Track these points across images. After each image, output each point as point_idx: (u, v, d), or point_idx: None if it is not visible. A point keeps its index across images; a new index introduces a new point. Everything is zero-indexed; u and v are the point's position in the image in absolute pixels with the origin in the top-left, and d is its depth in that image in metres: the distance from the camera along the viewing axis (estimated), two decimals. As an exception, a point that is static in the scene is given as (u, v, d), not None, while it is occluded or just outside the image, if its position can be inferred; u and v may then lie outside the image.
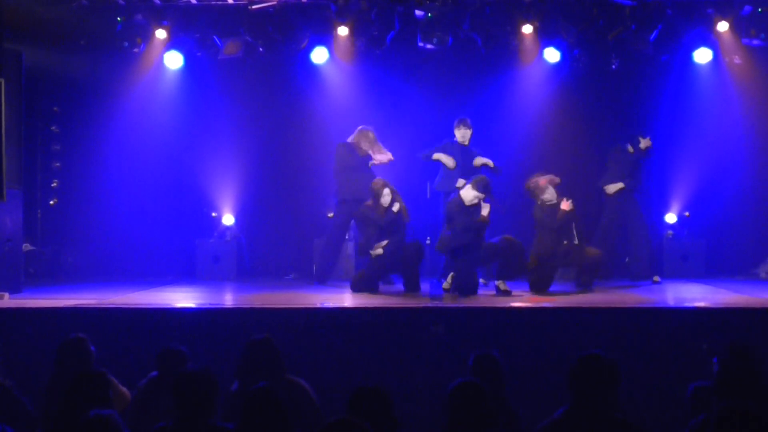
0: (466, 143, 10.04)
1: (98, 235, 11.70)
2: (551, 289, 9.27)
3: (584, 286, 9.23)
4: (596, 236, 10.14)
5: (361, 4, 10.76)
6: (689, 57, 11.32)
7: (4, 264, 9.14)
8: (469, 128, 9.98)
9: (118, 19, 11.07)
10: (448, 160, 9.96)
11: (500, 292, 8.84)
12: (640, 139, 10.23)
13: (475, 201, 8.85)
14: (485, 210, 8.86)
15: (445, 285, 9.04)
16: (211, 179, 11.83)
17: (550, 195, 9.15)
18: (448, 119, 10.20)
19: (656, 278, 10.27)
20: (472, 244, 8.83)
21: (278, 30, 11.08)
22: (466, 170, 9.87)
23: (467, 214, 8.82)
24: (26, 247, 10.47)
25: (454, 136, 10.16)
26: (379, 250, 9.06)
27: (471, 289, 8.80)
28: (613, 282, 10.27)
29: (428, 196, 10.60)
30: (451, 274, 9.06)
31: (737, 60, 11.19)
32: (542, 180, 9.17)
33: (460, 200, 8.89)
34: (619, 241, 10.48)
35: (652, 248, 10.52)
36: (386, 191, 9.09)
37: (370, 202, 9.25)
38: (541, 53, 11.28)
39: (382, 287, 9.39)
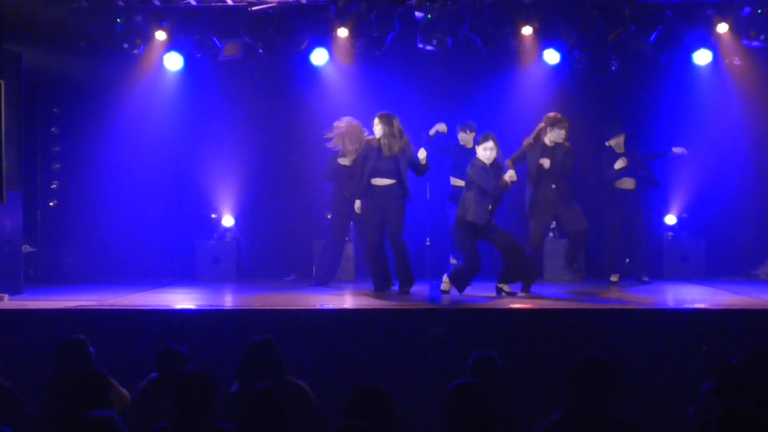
0: (470, 146, 10.01)
1: (98, 237, 11.69)
2: (550, 290, 9.28)
3: (572, 262, 9.29)
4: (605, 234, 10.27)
5: (360, 6, 10.77)
6: (689, 58, 11.32)
7: (4, 265, 9.14)
8: (474, 132, 9.98)
9: (118, 20, 11.06)
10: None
11: (502, 294, 8.82)
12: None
13: (492, 157, 8.61)
14: (509, 175, 8.66)
15: (443, 287, 8.97)
16: (211, 180, 11.83)
17: (556, 136, 9.25)
18: (448, 120, 10.20)
19: (644, 278, 10.30)
20: (485, 225, 8.64)
21: (278, 31, 11.08)
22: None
23: (489, 177, 8.58)
24: (26, 248, 10.46)
25: (457, 139, 10.19)
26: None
27: (464, 282, 8.81)
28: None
29: (428, 197, 10.60)
30: (445, 277, 8.95)
31: (737, 61, 11.19)
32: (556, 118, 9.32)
33: (479, 161, 8.69)
34: (622, 239, 10.49)
35: (648, 248, 10.58)
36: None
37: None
38: (540, 55, 11.28)
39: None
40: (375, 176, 8.86)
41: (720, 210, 11.54)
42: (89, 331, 6.14)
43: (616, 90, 11.66)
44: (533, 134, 9.46)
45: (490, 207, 8.60)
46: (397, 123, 8.83)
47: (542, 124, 9.44)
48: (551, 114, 9.49)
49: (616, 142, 10.42)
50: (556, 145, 9.40)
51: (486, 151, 8.60)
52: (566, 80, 11.59)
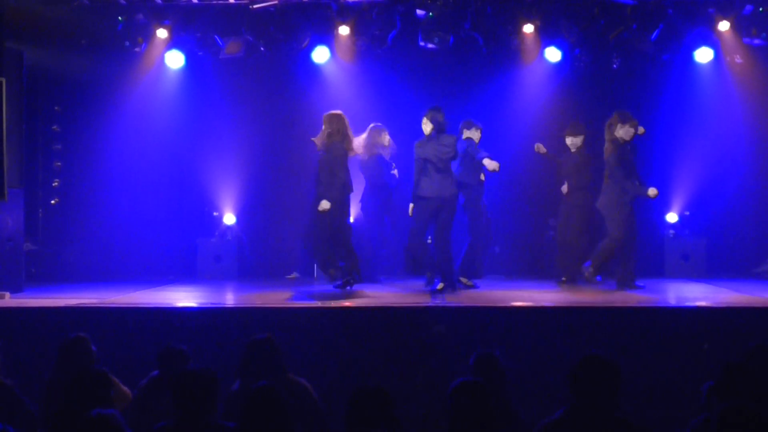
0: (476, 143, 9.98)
1: (99, 235, 11.70)
2: (550, 289, 9.28)
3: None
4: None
5: (362, 4, 10.77)
6: (690, 56, 11.31)
7: (5, 263, 9.16)
8: (478, 128, 9.97)
9: (120, 18, 11.06)
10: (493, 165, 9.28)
11: (464, 287, 9.06)
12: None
13: (427, 131, 8.96)
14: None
15: (439, 287, 8.95)
16: (213, 178, 11.84)
17: (625, 132, 9.14)
18: (449, 118, 10.16)
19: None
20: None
21: (279, 29, 11.08)
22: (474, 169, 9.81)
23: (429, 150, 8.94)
24: (27, 246, 10.47)
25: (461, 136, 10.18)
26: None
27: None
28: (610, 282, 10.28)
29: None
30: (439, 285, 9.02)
31: (738, 59, 11.19)
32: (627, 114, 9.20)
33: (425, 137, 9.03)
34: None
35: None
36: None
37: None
38: (542, 52, 11.28)
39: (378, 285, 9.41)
40: None
41: (722, 208, 11.53)
42: (90, 329, 6.15)
43: (617, 88, 11.63)
44: (608, 136, 9.24)
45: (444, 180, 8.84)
46: (336, 123, 8.92)
47: (613, 119, 9.23)
48: (621, 111, 9.31)
49: (572, 142, 10.34)
50: (625, 142, 9.19)
51: (424, 126, 8.95)
52: (568, 78, 11.59)
